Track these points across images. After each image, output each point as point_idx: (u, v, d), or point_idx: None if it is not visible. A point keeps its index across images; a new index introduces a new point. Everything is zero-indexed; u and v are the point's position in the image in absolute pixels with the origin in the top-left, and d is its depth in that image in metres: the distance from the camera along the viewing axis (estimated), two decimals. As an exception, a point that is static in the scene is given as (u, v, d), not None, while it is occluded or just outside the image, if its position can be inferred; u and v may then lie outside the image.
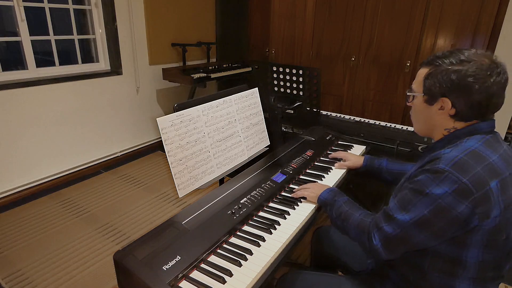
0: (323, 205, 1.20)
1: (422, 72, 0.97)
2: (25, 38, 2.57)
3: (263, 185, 1.34)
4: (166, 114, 1.23)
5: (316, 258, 1.55)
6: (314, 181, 1.43)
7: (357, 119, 2.30)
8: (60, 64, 2.86)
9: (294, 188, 1.35)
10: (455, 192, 0.81)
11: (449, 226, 0.84)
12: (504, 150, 0.90)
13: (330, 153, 1.71)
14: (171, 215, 2.23)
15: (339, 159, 1.62)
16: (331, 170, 1.55)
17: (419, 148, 1.90)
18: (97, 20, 3.02)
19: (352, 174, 1.57)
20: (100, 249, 2.10)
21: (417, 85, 0.99)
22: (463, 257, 0.88)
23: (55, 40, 2.78)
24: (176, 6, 3.56)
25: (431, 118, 0.98)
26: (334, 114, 2.40)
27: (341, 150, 1.71)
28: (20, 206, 2.54)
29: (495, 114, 0.93)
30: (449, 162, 0.84)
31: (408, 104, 1.05)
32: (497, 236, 0.86)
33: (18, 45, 2.59)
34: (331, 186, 1.42)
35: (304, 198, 1.28)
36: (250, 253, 1.01)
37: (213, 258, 1.00)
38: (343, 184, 1.50)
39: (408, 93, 1.04)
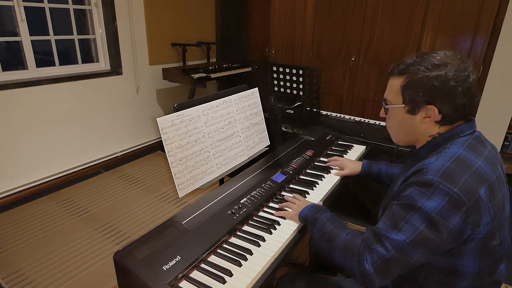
0: (305, 223, 1.11)
1: (396, 82, 0.92)
2: (25, 38, 2.57)
3: (263, 185, 1.34)
4: (166, 114, 1.23)
5: (316, 259, 1.55)
6: (314, 181, 1.44)
7: (357, 119, 2.30)
8: (60, 64, 2.86)
9: (282, 200, 1.28)
10: (449, 204, 0.78)
11: (445, 241, 0.80)
12: (489, 151, 0.88)
13: (330, 153, 1.71)
14: (171, 215, 2.23)
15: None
16: (331, 170, 1.55)
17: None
18: (97, 20, 3.02)
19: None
20: (100, 249, 2.10)
21: (394, 96, 0.94)
22: (459, 266, 0.86)
23: (55, 40, 2.78)
24: (176, 6, 3.56)
25: (415, 128, 0.94)
26: (334, 114, 2.40)
27: (337, 155, 1.64)
28: (20, 206, 2.54)
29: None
30: (437, 172, 0.81)
31: (382, 116, 1.01)
32: (491, 242, 0.85)
33: (18, 45, 2.59)
34: (332, 185, 1.43)
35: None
36: (250, 253, 1.01)
37: (213, 258, 1.00)
38: (343, 184, 1.50)
39: (386, 106, 0.98)
